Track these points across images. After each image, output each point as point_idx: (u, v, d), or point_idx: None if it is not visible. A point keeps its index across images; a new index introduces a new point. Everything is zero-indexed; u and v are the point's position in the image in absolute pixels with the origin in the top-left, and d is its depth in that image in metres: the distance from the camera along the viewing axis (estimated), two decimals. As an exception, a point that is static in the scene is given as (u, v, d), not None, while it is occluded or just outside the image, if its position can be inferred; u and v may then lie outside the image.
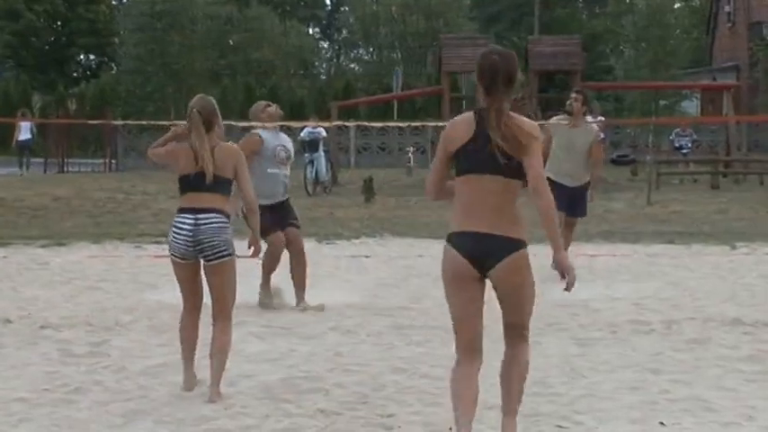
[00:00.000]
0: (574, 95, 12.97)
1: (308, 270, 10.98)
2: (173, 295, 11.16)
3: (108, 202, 24.37)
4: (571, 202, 12.44)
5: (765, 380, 7.69)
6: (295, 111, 49.17)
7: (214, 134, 7.28)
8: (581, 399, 7.19)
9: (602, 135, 13.42)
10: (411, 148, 38.28)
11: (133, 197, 25.46)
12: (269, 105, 11.33)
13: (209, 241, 7.12)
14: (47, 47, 66.81)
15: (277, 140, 11.20)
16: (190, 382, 7.37)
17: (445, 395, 7.21)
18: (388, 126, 38.93)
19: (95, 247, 16.13)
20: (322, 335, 9.36)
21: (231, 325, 7.35)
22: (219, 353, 7.19)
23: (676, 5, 54.94)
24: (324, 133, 28.76)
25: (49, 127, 41.61)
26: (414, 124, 37.66)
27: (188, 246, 7.15)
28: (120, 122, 37.12)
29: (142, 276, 12.97)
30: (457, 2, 64.29)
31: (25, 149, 37.99)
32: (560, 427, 6.54)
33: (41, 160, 39.69)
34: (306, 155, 28.07)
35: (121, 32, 63.31)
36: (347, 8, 79.09)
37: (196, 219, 7.15)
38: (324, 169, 28.07)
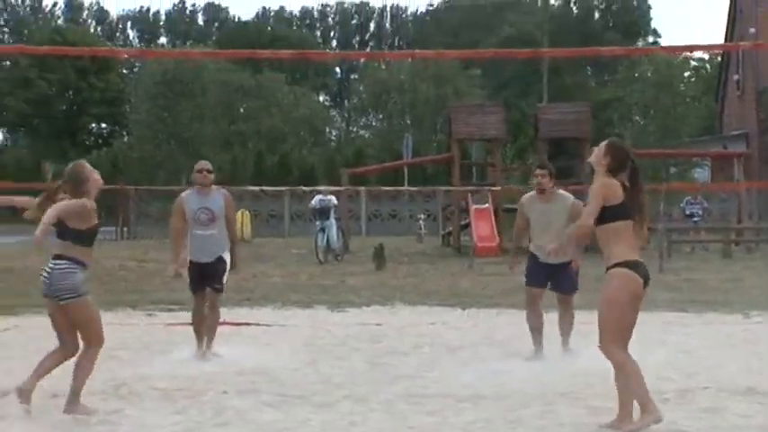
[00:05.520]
0: (538, 172, 11.68)
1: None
2: (186, 363, 11.17)
3: (120, 269, 24.43)
4: (553, 277, 11.69)
5: (781, 449, 7.65)
6: (306, 178, 49.49)
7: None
8: (596, 469, 7.16)
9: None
10: (422, 216, 38.36)
11: (145, 265, 25.50)
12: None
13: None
14: (59, 115, 67.35)
15: (200, 203, 11.60)
16: None
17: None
18: (399, 192, 39.04)
19: (108, 314, 15.99)
20: (335, 403, 9.33)
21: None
22: None
23: (686, 74, 55.26)
24: (335, 201, 28.88)
25: (61, 194, 41.83)
26: (424, 189, 37.83)
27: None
28: (131, 188, 37.31)
29: (155, 344, 12.95)
30: (466, 69, 64.68)
31: None
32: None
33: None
34: (317, 223, 28.19)
35: (132, 101, 63.90)
36: (357, 76, 79.74)
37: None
38: (335, 237, 28.12)
